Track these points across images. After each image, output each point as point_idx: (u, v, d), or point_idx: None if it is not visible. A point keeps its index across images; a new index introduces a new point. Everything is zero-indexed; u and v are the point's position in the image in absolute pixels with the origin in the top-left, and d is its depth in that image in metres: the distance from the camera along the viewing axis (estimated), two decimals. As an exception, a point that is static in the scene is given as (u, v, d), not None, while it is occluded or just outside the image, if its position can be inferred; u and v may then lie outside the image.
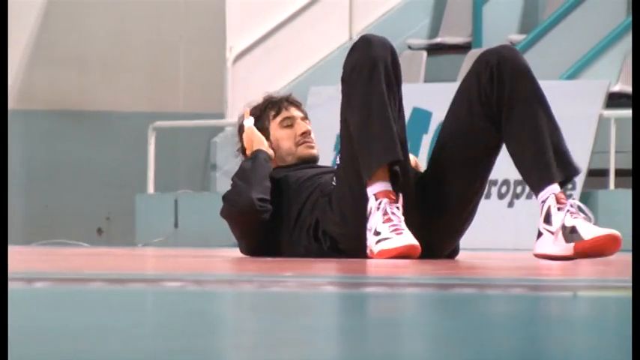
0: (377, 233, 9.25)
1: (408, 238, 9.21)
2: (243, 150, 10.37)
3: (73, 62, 22.15)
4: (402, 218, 9.31)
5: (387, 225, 9.22)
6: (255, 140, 10.00)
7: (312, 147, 10.10)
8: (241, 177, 10.11)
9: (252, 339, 3.75)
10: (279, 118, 10.24)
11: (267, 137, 10.22)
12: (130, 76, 22.14)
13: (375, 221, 9.26)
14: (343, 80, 9.68)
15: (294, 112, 10.30)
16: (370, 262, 8.79)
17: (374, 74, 9.43)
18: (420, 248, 9.20)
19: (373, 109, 9.44)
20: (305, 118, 10.26)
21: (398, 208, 9.35)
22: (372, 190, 9.34)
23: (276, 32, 21.46)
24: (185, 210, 19.04)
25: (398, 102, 9.59)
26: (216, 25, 21.71)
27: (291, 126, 10.23)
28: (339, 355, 3.25)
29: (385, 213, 9.25)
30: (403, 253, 9.15)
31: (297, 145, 10.12)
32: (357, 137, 9.51)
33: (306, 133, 10.16)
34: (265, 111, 10.31)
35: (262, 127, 10.26)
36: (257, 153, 10.00)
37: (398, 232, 9.22)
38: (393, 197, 9.37)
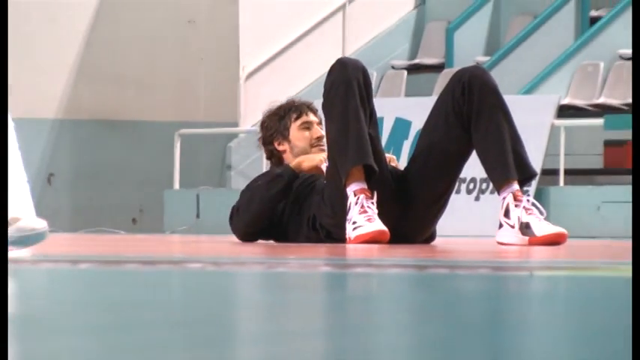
0: (354, 223, 9.43)
1: (378, 225, 9.39)
2: (270, 155, 10.56)
3: (112, 79, 22.10)
4: (376, 211, 9.51)
5: (362, 216, 9.42)
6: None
7: (323, 150, 10.06)
8: (248, 201, 10.27)
9: (261, 311, 3.75)
10: (299, 121, 10.26)
11: (287, 135, 10.26)
12: (159, 91, 22.10)
13: (353, 213, 9.45)
14: (324, 96, 9.92)
15: (312, 117, 10.34)
16: (359, 247, 8.82)
17: (349, 91, 9.68)
18: (388, 234, 9.40)
19: (349, 120, 9.64)
20: (320, 123, 10.25)
21: (373, 202, 9.55)
22: (350, 189, 9.54)
23: (281, 54, 21.42)
24: (205, 203, 19.03)
25: (370, 113, 9.83)
26: (230, 49, 21.67)
27: (308, 129, 10.26)
28: (333, 323, 3.25)
29: (362, 207, 9.45)
30: (374, 238, 9.32)
31: (312, 146, 10.15)
32: (334, 144, 9.74)
33: (320, 138, 10.18)
34: (289, 112, 10.34)
35: (284, 126, 10.31)
36: (285, 171, 10.17)
37: (370, 220, 9.42)
38: (369, 194, 9.56)
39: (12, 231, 5.49)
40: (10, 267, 4.92)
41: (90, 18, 22.33)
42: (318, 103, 9.89)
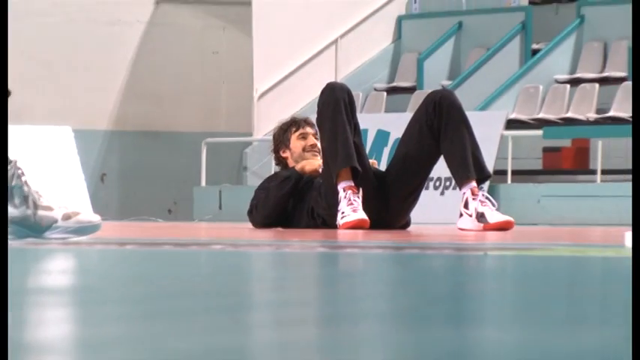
0: (342, 213, 9.60)
1: (361, 215, 9.55)
2: (278, 162, 10.69)
3: (152, 98, 22.13)
4: (360, 204, 9.65)
5: (349, 207, 9.58)
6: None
7: (316, 155, 10.17)
8: (265, 198, 10.42)
9: (269, 283, 3.77)
10: (297, 133, 10.35)
11: (288, 144, 10.34)
12: (190, 107, 22.13)
13: (342, 205, 9.62)
14: (317, 113, 10.13)
15: (308, 129, 10.40)
16: (347, 232, 8.86)
17: (336, 109, 9.85)
18: (368, 221, 9.53)
19: (338, 132, 9.78)
20: (315, 134, 10.30)
21: (358, 197, 9.70)
22: (340, 186, 9.68)
23: (287, 79, 21.44)
24: (226, 197, 19.04)
25: (354, 125, 10.00)
26: (246, 74, 21.70)
27: (304, 138, 10.32)
28: (327, 293, 3.26)
29: (349, 200, 9.62)
30: (357, 224, 9.47)
31: (305, 151, 10.19)
32: (326, 151, 9.91)
33: (313, 145, 10.26)
34: (290, 126, 10.45)
35: (286, 137, 10.39)
36: (292, 173, 10.33)
37: (355, 211, 9.60)
38: (355, 190, 9.71)
39: (72, 222, 5.48)
40: (71, 248, 4.92)
41: (135, 48, 22.37)
42: (314, 117, 10.02)
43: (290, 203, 10.10)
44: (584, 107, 20.34)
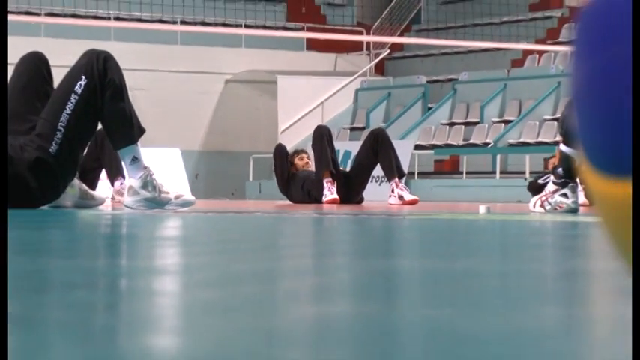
0: (325, 194, 9.56)
1: (335, 195, 9.53)
2: (281, 170, 10.46)
3: (223, 132, 22.00)
4: (335, 189, 9.61)
5: (328, 191, 9.58)
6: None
7: (310, 169, 10.14)
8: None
9: (281, 235, 3.70)
10: (298, 157, 10.31)
11: (293, 163, 10.26)
12: (243, 138, 21.98)
13: (325, 190, 9.59)
14: (312, 141, 10.01)
15: (304, 155, 10.36)
16: (329, 206, 8.76)
17: (323, 141, 9.80)
18: (339, 199, 9.50)
19: (322, 152, 9.72)
20: (308, 157, 10.28)
21: (333, 186, 9.64)
22: (324, 180, 9.64)
23: (294, 124, 21.36)
24: (263, 187, 18.84)
25: (332, 149, 9.94)
26: (274, 119, 21.59)
27: (301, 159, 10.22)
28: (316, 245, 3.21)
29: (329, 188, 9.60)
30: (333, 201, 9.41)
31: (303, 167, 10.10)
32: (317, 161, 9.86)
33: (306, 164, 10.23)
34: (294, 155, 10.38)
35: (292, 161, 10.25)
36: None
37: (332, 193, 9.56)
38: (332, 182, 9.64)
39: (180, 200, 5.45)
40: (177, 215, 4.87)
41: (214, 105, 22.22)
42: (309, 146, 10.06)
43: (295, 187, 10.03)
44: (456, 138, 20.31)
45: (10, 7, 21.60)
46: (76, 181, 5.38)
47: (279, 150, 10.31)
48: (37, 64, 5.29)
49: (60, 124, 5.01)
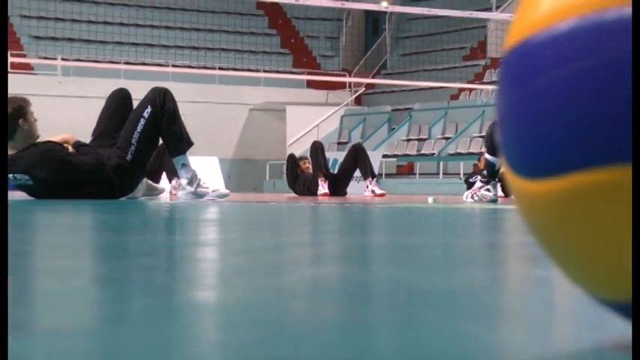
0: (319, 189, 9.23)
1: (326, 190, 9.18)
2: (291, 172, 10.00)
3: (247, 146, 21.99)
4: (327, 186, 9.27)
5: (322, 187, 9.23)
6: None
7: (309, 170, 9.75)
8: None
9: (291, 218, 3.66)
10: (301, 162, 9.86)
11: (299, 166, 9.81)
12: (262, 149, 21.99)
13: (319, 187, 9.25)
14: (310, 151, 9.64)
15: (305, 160, 9.87)
16: (322, 198, 8.71)
17: (318, 152, 9.42)
18: (329, 193, 9.16)
19: (318, 159, 9.39)
20: (309, 162, 9.80)
21: (325, 183, 9.30)
22: (319, 179, 9.31)
23: (298, 140, 21.33)
24: (277, 184, 18.86)
25: (324, 158, 9.50)
26: (283, 137, 21.59)
27: (304, 164, 9.81)
28: (313, 226, 3.19)
29: (322, 185, 9.27)
30: (325, 194, 9.08)
31: (305, 170, 9.77)
32: (312, 166, 9.46)
33: (307, 167, 9.80)
34: (299, 160, 9.99)
35: (299, 164, 9.83)
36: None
37: (324, 188, 9.20)
38: (325, 180, 9.33)
39: (216, 193, 5.44)
40: (216, 203, 4.85)
41: (240, 128, 22.25)
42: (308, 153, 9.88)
43: (300, 184, 9.77)
44: (411, 149, 20.31)
45: (98, 57, 21.56)
46: (144, 179, 5.40)
47: (290, 158, 10.25)
48: (122, 97, 5.26)
49: (133, 140, 5.00)
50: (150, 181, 5.61)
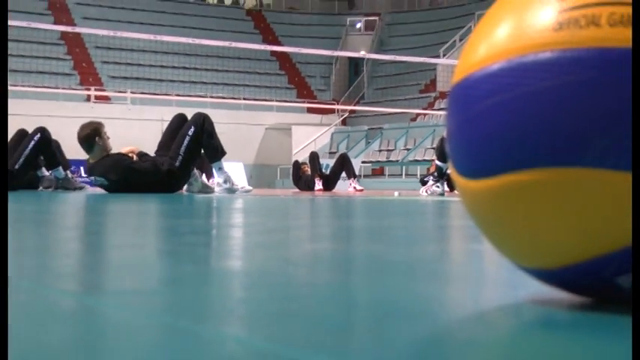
0: (316, 186, 8.95)
1: (320, 186, 8.95)
2: (296, 173, 9.65)
3: (265, 156, 21.86)
4: (321, 184, 9.03)
5: (317, 185, 8.99)
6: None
7: (308, 171, 9.51)
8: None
9: (295, 207, 3.59)
10: (303, 166, 9.58)
11: (301, 169, 9.45)
12: (273, 156, 21.80)
13: (316, 185, 9.01)
14: (308, 159, 9.38)
15: (305, 165, 9.59)
16: (318, 193, 8.56)
17: (314, 158, 9.15)
18: (322, 189, 8.87)
19: (315, 163, 9.11)
20: (307, 167, 9.50)
21: (320, 182, 9.08)
22: (315, 179, 9.08)
23: (301, 151, 21.21)
24: (285, 183, 18.71)
25: (319, 164, 9.21)
26: (289, 147, 21.50)
27: (305, 167, 9.53)
28: (310, 213, 3.11)
29: (317, 183, 9.03)
30: (319, 190, 8.80)
31: (305, 172, 9.46)
32: (311, 171, 9.15)
33: (307, 169, 9.52)
34: (301, 165, 9.70)
35: (301, 167, 9.45)
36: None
37: (319, 186, 8.95)
38: (320, 180, 9.11)
39: (243, 189, 5.40)
40: (242, 196, 4.80)
41: (261, 137, 22.09)
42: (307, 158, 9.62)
43: (301, 183, 9.52)
44: (382, 157, 20.24)
45: (156, 90, 21.51)
46: (200, 179, 5.37)
47: (295, 164, 10.15)
48: (179, 120, 5.24)
49: (180, 151, 5.01)
50: (206, 181, 5.61)
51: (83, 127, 4.81)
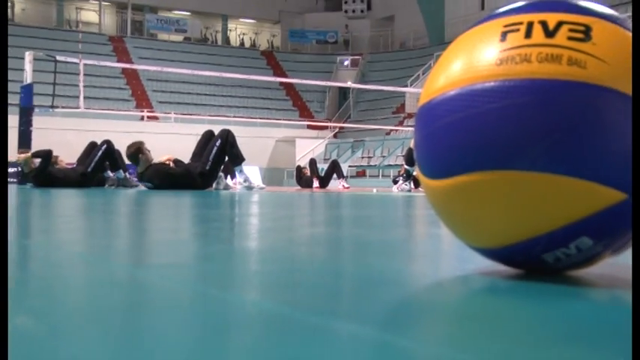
0: (314, 185, 8.44)
1: (317, 185, 8.46)
2: (299, 175, 8.90)
3: (277, 161, 21.52)
4: (318, 183, 8.48)
5: (315, 184, 8.46)
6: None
7: (308, 173, 8.99)
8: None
9: (299, 201, 3.48)
10: (304, 169, 8.93)
11: (302, 171, 8.83)
12: (281, 160, 21.26)
13: (313, 183, 8.50)
14: (308, 164, 8.67)
15: (305, 168, 8.91)
16: (315, 190, 8.29)
17: (313, 164, 8.67)
18: (319, 187, 8.39)
19: (313, 167, 8.62)
20: (307, 169, 8.86)
21: (317, 181, 8.52)
22: (313, 178, 8.53)
23: (302, 157, 20.94)
24: (289, 182, 18.39)
25: (316, 167, 8.62)
26: (293, 154, 21.20)
27: (305, 170, 8.91)
28: (309, 207, 2.98)
29: (314, 182, 8.50)
30: (316, 188, 8.36)
31: (305, 173, 8.89)
32: (310, 172, 8.59)
33: (306, 172, 8.92)
34: (303, 168, 9.02)
35: (302, 170, 8.82)
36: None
37: (316, 184, 8.45)
38: (317, 179, 8.58)
39: (259, 186, 5.38)
40: (258, 192, 4.72)
41: (272, 147, 21.80)
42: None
43: (302, 182, 8.97)
44: (364, 162, 20.06)
45: (193, 111, 21.37)
46: (224, 180, 5.40)
47: (297, 167, 9.93)
48: (209, 134, 5.31)
49: (210, 158, 5.08)
50: (229, 181, 5.66)
51: (129, 146, 5.02)
